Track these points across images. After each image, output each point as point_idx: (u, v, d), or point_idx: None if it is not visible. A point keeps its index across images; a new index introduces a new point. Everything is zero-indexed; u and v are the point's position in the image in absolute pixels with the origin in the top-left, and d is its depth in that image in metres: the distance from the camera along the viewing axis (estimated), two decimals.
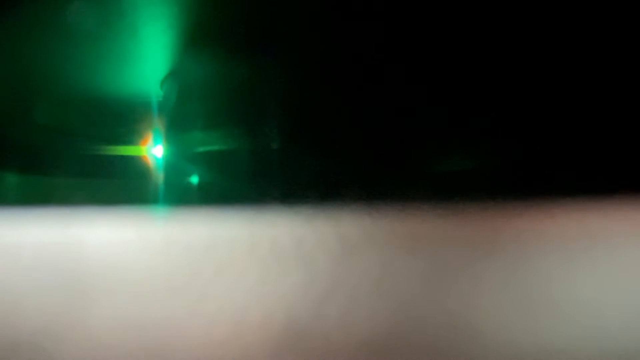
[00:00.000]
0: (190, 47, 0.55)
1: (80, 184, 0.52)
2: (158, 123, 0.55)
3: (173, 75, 0.55)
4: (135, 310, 0.41)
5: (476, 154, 0.52)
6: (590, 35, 0.51)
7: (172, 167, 0.54)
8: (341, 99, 0.52)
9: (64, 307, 0.41)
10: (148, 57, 0.55)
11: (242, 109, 0.54)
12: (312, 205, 0.43)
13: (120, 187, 0.53)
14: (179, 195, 0.54)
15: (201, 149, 0.54)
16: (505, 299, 0.41)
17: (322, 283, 0.41)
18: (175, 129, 0.55)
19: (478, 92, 0.52)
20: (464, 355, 0.40)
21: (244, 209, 0.43)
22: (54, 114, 0.54)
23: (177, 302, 0.41)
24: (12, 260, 0.41)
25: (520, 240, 0.42)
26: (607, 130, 0.51)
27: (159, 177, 0.54)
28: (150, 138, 0.54)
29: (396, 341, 0.40)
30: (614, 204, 0.43)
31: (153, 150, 0.54)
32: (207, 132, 0.54)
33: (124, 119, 0.54)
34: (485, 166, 0.51)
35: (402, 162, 0.51)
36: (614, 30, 0.51)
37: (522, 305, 0.41)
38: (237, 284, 0.41)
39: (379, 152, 0.52)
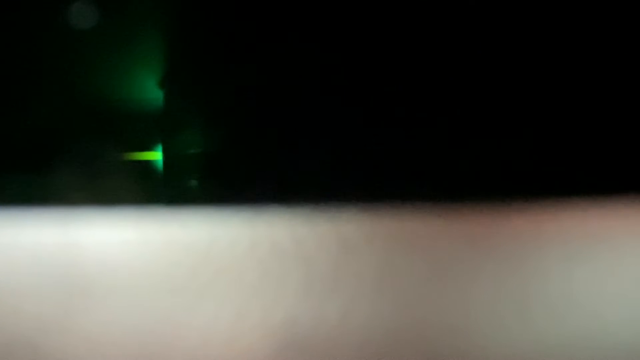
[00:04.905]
0: (189, 47, 0.55)
1: (80, 184, 0.52)
2: (157, 123, 0.55)
3: (172, 75, 0.55)
4: (135, 310, 0.41)
5: (476, 154, 0.52)
6: (587, 35, 0.51)
7: (172, 167, 0.54)
8: (341, 99, 0.52)
9: (63, 307, 0.41)
10: (147, 57, 0.55)
11: (242, 109, 0.54)
12: (311, 206, 0.43)
13: (120, 187, 0.53)
14: (179, 196, 0.54)
15: (200, 149, 0.54)
16: (505, 299, 0.41)
17: (322, 283, 0.41)
18: (175, 129, 0.55)
19: (478, 92, 0.52)
20: (464, 355, 0.40)
21: (243, 210, 0.43)
22: (53, 114, 0.54)
23: (177, 302, 0.41)
24: (12, 260, 0.41)
25: (520, 240, 0.42)
26: (607, 131, 0.51)
27: (159, 177, 0.54)
28: (149, 138, 0.54)
29: (396, 341, 0.40)
30: (614, 204, 0.43)
31: (152, 150, 0.54)
32: (207, 132, 0.54)
33: (124, 119, 0.54)
34: (486, 166, 0.51)
35: (402, 162, 0.51)
36: (613, 30, 0.51)
37: (522, 305, 0.41)
38: (237, 284, 0.41)
39: (378, 152, 0.52)
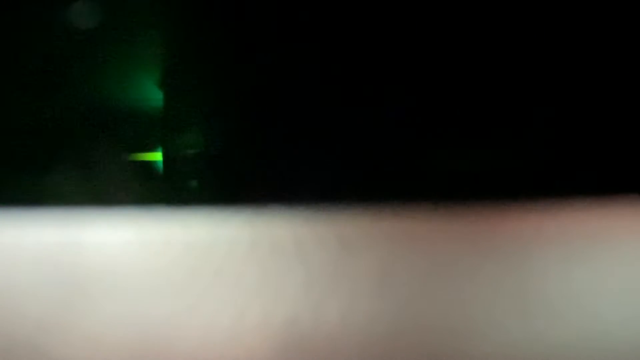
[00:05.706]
0: (189, 47, 0.55)
1: (80, 184, 0.52)
2: (157, 123, 0.55)
3: (172, 75, 0.55)
4: (135, 310, 0.41)
5: (476, 154, 0.52)
6: (588, 35, 0.51)
7: (172, 167, 0.54)
8: (340, 99, 0.52)
9: (64, 307, 0.41)
10: (147, 57, 0.55)
11: (242, 109, 0.54)
12: (311, 206, 0.43)
13: (120, 187, 0.53)
14: (179, 196, 0.54)
15: (200, 149, 0.54)
16: (505, 299, 0.41)
17: (322, 283, 0.41)
18: (175, 129, 0.55)
19: (478, 91, 0.52)
20: (464, 355, 0.40)
21: (243, 209, 0.43)
22: (53, 115, 0.54)
23: (177, 302, 0.41)
24: (12, 260, 0.41)
25: (520, 240, 0.42)
26: (607, 131, 0.51)
27: (159, 177, 0.54)
28: (149, 138, 0.54)
29: (396, 341, 0.40)
30: (614, 204, 0.43)
31: (152, 150, 0.54)
32: (207, 132, 0.54)
33: (124, 119, 0.54)
34: (485, 166, 0.51)
35: (402, 162, 0.51)
36: (613, 30, 0.51)
37: (522, 305, 0.41)
38: (237, 284, 0.41)
39: (378, 152, 0.52)
